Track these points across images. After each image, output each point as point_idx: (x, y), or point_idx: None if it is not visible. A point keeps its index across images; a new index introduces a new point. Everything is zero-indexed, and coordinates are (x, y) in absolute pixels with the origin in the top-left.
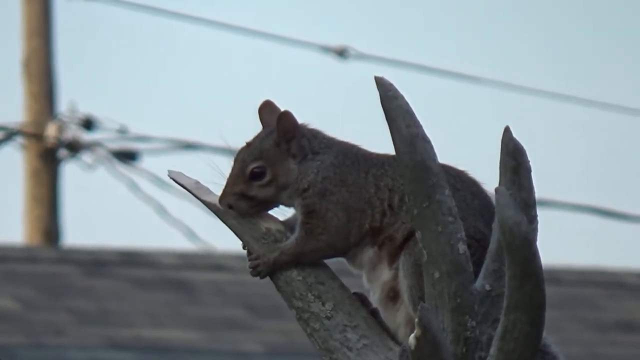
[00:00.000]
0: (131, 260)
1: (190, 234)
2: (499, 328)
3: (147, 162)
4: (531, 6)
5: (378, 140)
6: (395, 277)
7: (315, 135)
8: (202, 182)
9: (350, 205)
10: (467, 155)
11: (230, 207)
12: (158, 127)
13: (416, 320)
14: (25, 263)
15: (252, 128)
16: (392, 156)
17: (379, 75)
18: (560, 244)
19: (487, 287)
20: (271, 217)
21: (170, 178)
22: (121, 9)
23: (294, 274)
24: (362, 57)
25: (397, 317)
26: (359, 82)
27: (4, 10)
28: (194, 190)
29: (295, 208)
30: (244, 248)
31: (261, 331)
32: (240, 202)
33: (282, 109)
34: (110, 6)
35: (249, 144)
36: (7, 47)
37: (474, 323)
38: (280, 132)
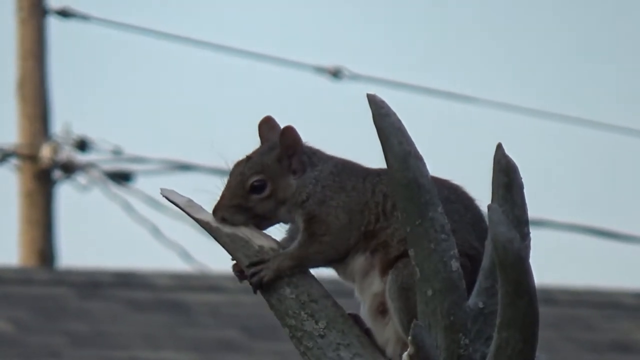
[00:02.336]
0: (126, 282)
1: (185, 255)
2: (492, 346)
3: (141, 183)
4: (526, 27)
5: (372, 159)
6: (384, 291)
7: (314, 152)
8: (195, 200)
9: (351, 208)
10: (462, 174)
11: (224, 219)
12: (152, 148)
13: (409, 338)
14: (20, 285)
15: (247, 149)
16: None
17: (371, 93)
18: (555, 264)
19: (480, 305)
20: (264, 235)
21: (163, 196)
22: (116, 30)
23: (287, 292)
24: (356, 77)
25: (386, 332)
26: (353, 103)
27: None
28: (187, 208)
29: (296, 221)
30: (234, 269)
31: (256, 352)
32: (235, 216)
33: (284, 125)
34: (105, 27)
35: (248, 157)
36: (1, 68)
37: (467, 341)
38: (283, 147)
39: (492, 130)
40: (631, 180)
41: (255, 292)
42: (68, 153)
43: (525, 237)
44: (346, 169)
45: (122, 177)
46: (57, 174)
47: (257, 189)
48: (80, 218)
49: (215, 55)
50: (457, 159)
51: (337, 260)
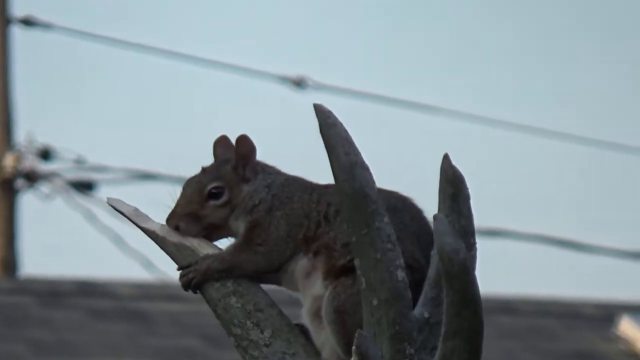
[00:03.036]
0: (88, 291)
1: (148, 264)
2: (437, 355)
3: (104, 192)
4: (491, 37)
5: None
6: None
7: (266, 164)
8: (141, 210)
9: (292, 221)
10: (425, 184)
11: (177, 228)
12: (115, 157)
13: (353, 348)
14: None
15: (209, 156)
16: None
17: (318, 103)
18: (516, 274)
19: (426, 315)
20: (210, 244)
21: (109, 205)
22: (79, 39)
23: (233, 300)
24: (320, 87)
25: (322, 336)
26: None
27: None
28: (133, 217)
29: (240, 228)
30: (180, 278)
31: None
32: (189, 225)
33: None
34: (69, 36)
35: (204, 169)
36: None
37: (412, 350)
38: (238, 155)
39: (455, 140)
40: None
41: (186, 290)
42: (31, 162)
43: (471, 248)
44: (296, 182)
45: (85, 187)
46: (20, 183)
47: (214, 195)
48: (43, 227)
49: (178, 64)
50: (421, 169)
51: (268, 272)
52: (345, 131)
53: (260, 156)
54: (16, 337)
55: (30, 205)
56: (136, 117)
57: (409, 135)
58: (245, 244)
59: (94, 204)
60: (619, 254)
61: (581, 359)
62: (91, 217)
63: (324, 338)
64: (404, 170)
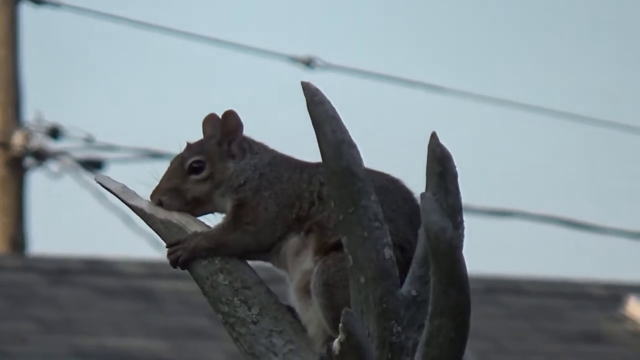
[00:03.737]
0: (95, 269)
1: (156, 243)
2: (424, 334)
3: (113, 171)
4: (497, 18)
5: None
6: (313, 272)
7: (255, 142)
8: (130, 187)
9: (281, 201)
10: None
11: (160, 203)
12: (124, 136)
13: (340, 325)
14: None
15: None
16: None
17: (305, 81)
18: (525, 254)
19: (414, 293)
20: (198, 221)
21: (97, 182)
22: (89, 17)
23: (220, 278)
24: (329, 67)
25: (309, 312)
26: (326, 92)
27: None
28: (121, 195)
29: (227, 205)
30: (168, 256)
31: (225, 340)
32: (172, 200)
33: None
34: (78, 15)
35: (189, 145)
36: None
37: (399, 328)
38: (224, 130)
39: (464, 120)
40: (601, 171)
41: (174, 267)
42: (40, 140)
43: (458, 226)
44: (284, 162)
45: (93, 165)
46: (29, 161)
47: (195, 170)
48: (52, 205)
49: (188, 43)
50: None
51: (257, 252)
52: (333, 109)
53: (270, 138)
54: (23, 315)
55: (39, 184)
56: (145, 96)
57: (417, 115)
58: (234, 223)
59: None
60: (627, 234)
61: (589, 339)
62: (100, 196)
63: (311, 314)
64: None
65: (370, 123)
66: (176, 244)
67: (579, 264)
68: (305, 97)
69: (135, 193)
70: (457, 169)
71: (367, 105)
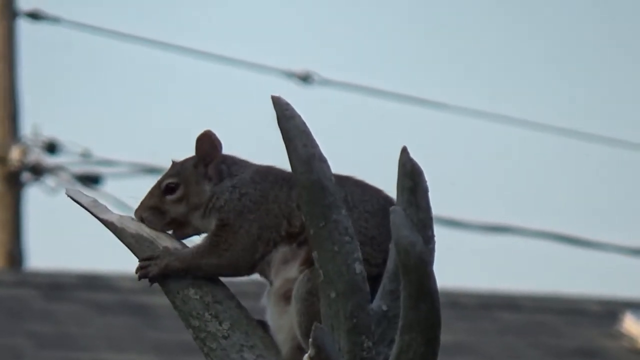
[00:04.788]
0: (91, 284)
1: None
2: (394, 348)
3: (110, 186)
4: (499, 32)
5: (342, 164)
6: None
7: (235, 161)
8: (100, 201)
9: (265, 223)
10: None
11: (142, 219)
12: (121, 151)
13: (310, 340)
14: None
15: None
16: None
17: (276, 95)
18: (520, 270)
19: (384, 308)
20: (169, 236)
21: (68, 196)
22: (86, 33)
23: (191, 292)
24: (326, 82)
25: (282, 319)
26: (323, 108)
27: None
28: (92, 209)
29: (210, 226)
30: (138, 269)
31: None
32: (153, 217)
33: (204, 131)
34: (76, 30)
35: (172, 164)
36: None
37: (370, 343)
38: (199, 152)
39: (461, 136)
40: (596, 186)
41: (140, 279)
42: (37, 155)
43: (429, 241)
44: (270, 176)
45: (91, 180)
46: (26, 176)
47: (169, 190)
48: (49, 220)
49: (184, 58)
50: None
51: (232, 275)
52: (304, 123)
53: (266, 154)
54: (18, 330)
55: (36, 199)
56: (142, 111)
57: (414, 131)
58: (211, 247)
59: (100, 197)
60: (623, 250)
61: (584, 355)
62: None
63: (284, 321)
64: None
65: (368, 139)
66: (148, 259)
67: (574, 280)
68: (276, 111)
69: (106, 207)
70: (428, 183)
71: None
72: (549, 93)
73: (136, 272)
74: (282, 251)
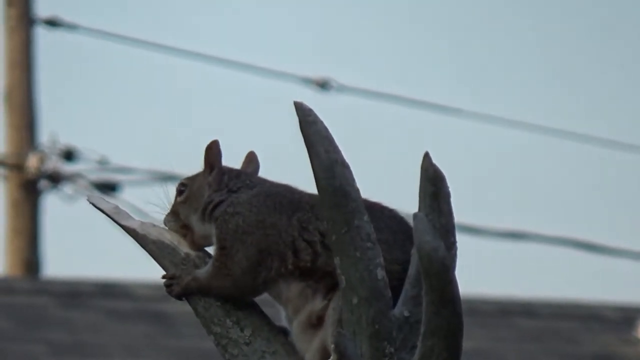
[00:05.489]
0: (108, 292)
1: None
2: (416, 354)
3: (127, 194)
4: (517, 38)
5: (355, 170)
6: (326, 307)
7: (238, 175)
8: (122, 207)
9: (264, 248)
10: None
11: (165, 222)
12: (139, 158)
13: (332, 346)
14: (2, 294)
15: (229, 159)
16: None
17: (298, 100)
18: (537, 276)
19: (406, 313)
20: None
21: (89, 202)
22: (104, 40)
23: (213, 299)
24: (343, 89)
25: (314, 342)
26: (341, 114)
27: None
28: (114, 215)
29: (209, 232)
30: (165, 286)
31: None
32: (171, 221)
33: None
34: (93, 37)
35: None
36: None
37: (392, 349)
38: (205, 160)
39: (479, 142)
40: (613, 192)
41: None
42: (54, 163)
43: (451, 247)
44: (269, 202)
45: (108, 187)
46: (43, 183)
47: (179, 192)
48: (66, 228)
49: (202, 65)
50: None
51: (242, 297)
52: (326, 129)
53: (283, 161)
54: (36, 338)
55: (54, 207)
56: (160, 118)
57: (431, 137)
58: (215, 271)
59: (118, 204)
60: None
61: None
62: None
63: (315, 344)
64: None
65: (386, 145)
66: (171, 278)
67: (591, 286)
68: (298, 116)
69: (127, 214)
70: (451, 189)
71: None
72: (568, 99)
73: (166, 289)
74: (296, 288)
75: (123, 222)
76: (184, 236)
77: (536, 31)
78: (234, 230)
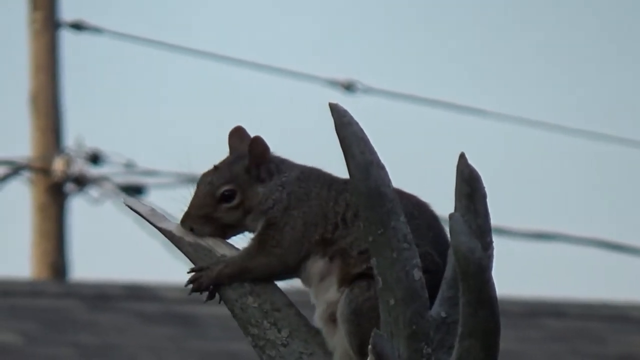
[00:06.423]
0: (135, 295)
1: None
2: (454, 355)
3: (154, 196)
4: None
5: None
6: (337, 302)
7: (282, 160)
8: (158, 209)
9: (308, 220)
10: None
11: (192, 230)
12: (165, 161)
13: (369, 347)
14: (30, 297)
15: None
16: None
17: (333, 102)
18: (565, 277)
19: (443, 314)
20: (227, 243)
21: (126, 205)
22: (129, 43)
23: (250, 300)
24: (369, 90)
25: (333, 340)
26: (366, 116)
27: (12, 46)
28: (149, 217)
29: (258, 227)
30: (189, 282)
31: None
32: (203, 226)
33: (253, 135)
34: (118, 40)
35: (216, 167)
36: (14, 82)
37: (429, 350)
38: (252, 156)
39: (504, 143)
40: None
41: (189, 294)
42: (80, 166)
43: (487, 247)
44: (313, 176)
45: (134, 190)
46: (69, 187)
47: (226, 198)
48: (92, 231)
49: (228, 68)
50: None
51: (282, 274)
52: (361, 130)
53: (312, 163)
54: (64, 341)
55: (80, 210)
56: (186, 121)
57: (458, 138)
58: (259, 246)
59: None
60: None
61: None
62: (141, 221)
63: (336, 341)
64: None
65: (411, 146)
66: (199, 270)
67: (620, 287)
68: (334, 118)
69: (163, 216)
70: (487, 189)
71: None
72: (595, 100)
73: (186, 285)
74: (317, 266)
75: (159, 224)
76: (220, 235)
77: (561, 30)
78: (286, 208)
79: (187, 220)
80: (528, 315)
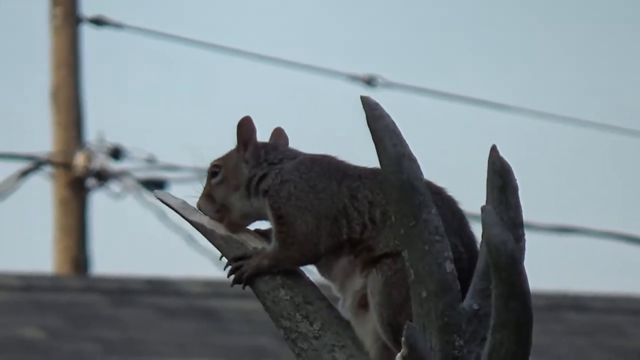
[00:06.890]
0: (158, 289)
1: (220, 262)
2: (486, 347)
3: (175, 191)
4: (558, 36)
5: None
6: (365, 285)
7: (275, 147)
8: (189, 202)
9: (320, 212)
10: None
11: (199, 207)
12: (186, 156)
13: (403, 339)
14: (52, 292)
15: None
16: (371, 169)
17: (365, 95)
18: (587, 271)
19: (475, 306)
20: (259, 237)
21: (157, 198)
22: (150, 38)
23: (282, 293)
24: (390, 85)
25: (367, 325)
26: (388, 111)
27: (33, 41)
28: (181, 210)
29: (260, 208)
30: (232, 272)
31: (289, 359)
32: (206, 205)
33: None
34: (139, 36)
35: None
36: (35, 77)
37: (461, 342)
38: (238, 137)
39: (527, 138)
40: None
41: (232, 285)
42: (102, 161)
43: (519, 239)
44: (316, 168)
45: (155, 185)
46: (91, 181)
47: (213, 174)
48: (114, 226)
49: (249, 63)
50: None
51: (311, 263)
52: (393, 123)
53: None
54: (86, 336)
55: (102, 204)
56: (207, 116)
57: (480, 133)
58: (280, 244)
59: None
60: None
61: None
62: (162, 216)
63: (368, 325)
64: (474, 168)
65: (433, 141)
66: (240, 258)
67: None
68: (365, 111)
69: (195, 209)
70: (518, 182)
71: (430, 124)
72: (613, 92)
73: (228, 276)
74: (342, 263)
75: (191, 217)
76: (221, 220)
77: (584, 25)
78: (287, 197)
79: (200, 200)
80: (550, 308)
